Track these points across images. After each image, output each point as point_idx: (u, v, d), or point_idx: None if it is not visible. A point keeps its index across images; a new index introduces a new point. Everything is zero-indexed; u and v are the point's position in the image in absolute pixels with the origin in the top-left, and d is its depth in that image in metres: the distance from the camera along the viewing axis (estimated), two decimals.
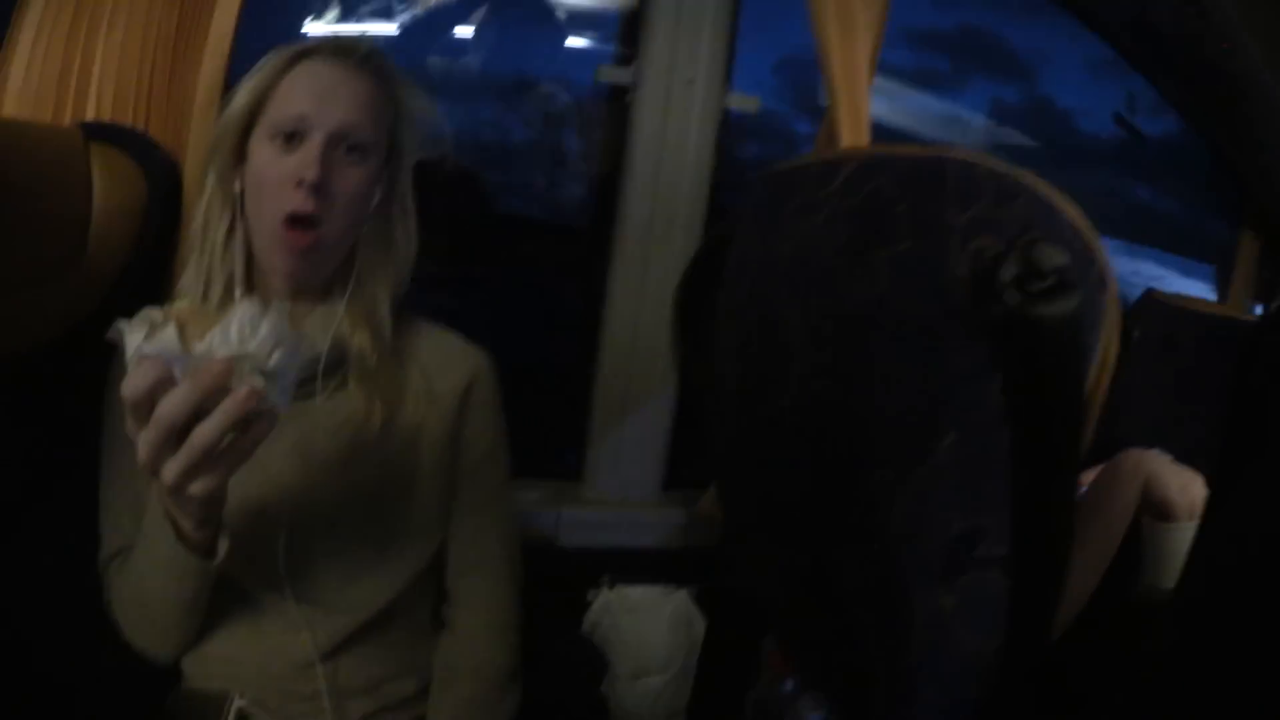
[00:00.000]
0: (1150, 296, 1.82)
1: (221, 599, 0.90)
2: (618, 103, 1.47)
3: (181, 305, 0.89)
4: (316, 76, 0.87)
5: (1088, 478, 1.12)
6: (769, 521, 0.92)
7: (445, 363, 1.00)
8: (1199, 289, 2.42)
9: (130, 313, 0.68)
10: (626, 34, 1.46)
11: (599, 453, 1.58)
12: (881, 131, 1.29)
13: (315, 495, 0.91)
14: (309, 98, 0.86)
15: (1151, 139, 2.30)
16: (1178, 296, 1.79)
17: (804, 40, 1.21)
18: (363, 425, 0.92)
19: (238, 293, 0.89)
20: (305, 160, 0.84)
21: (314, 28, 1.82)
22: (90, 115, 1.00)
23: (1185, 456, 1.60)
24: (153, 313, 0.67)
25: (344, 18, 1.96)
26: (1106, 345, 0.71)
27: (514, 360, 1.07)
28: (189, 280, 0.91)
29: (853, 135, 1.16)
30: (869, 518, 0.75)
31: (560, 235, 1.79)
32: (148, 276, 0.97)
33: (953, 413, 0.69)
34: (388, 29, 1.89)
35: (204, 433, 0.63)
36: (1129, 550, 1.03)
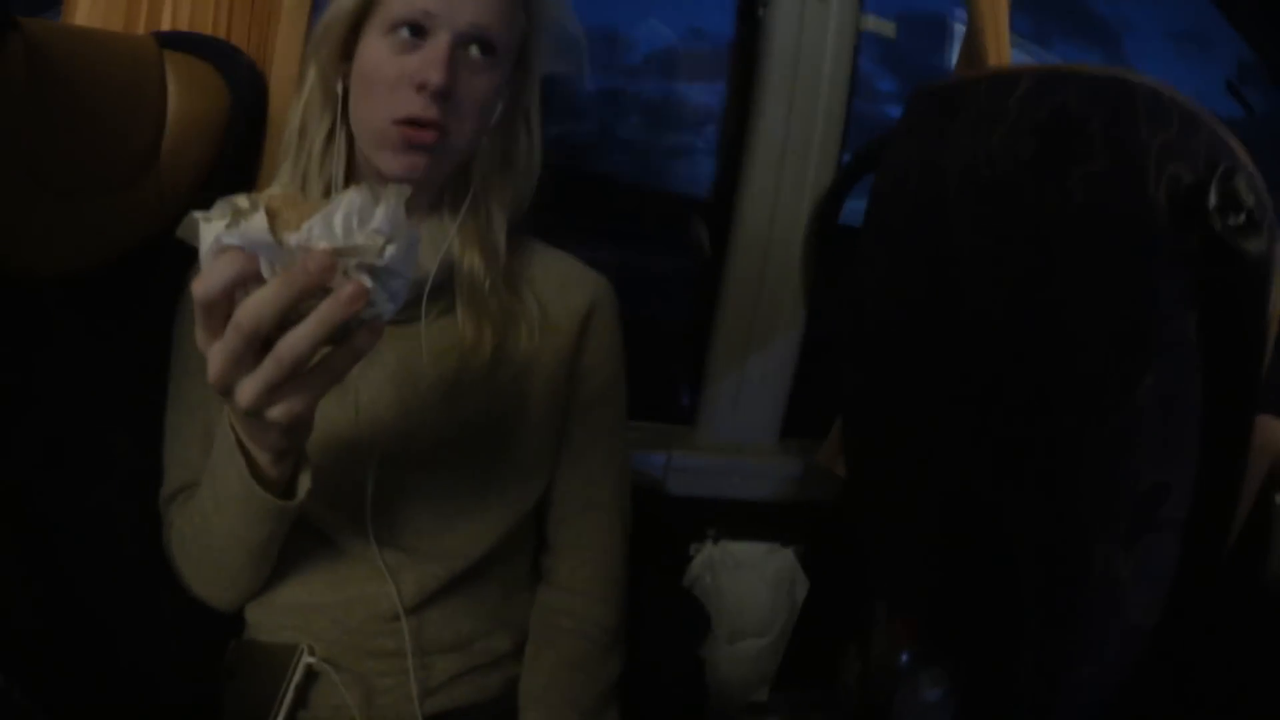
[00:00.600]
0: None
1: (297, 541, 0.82)
2: (750, 15, 1.40)
3: (275, 192, 0.78)
4: None
5: None
6: (913, 469, 0.84)
7: (563, 287, 0.92)
8: None
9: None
10: None
11: (716, 394, 1.48)
12: None
13: (412, 429, 0.83)
14: None
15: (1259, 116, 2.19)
16: None
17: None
18: (470, 353, 0.84)
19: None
20: (430, 61, 0.73)
21: None
22: (166, 27, 0.95)
23: None
24: (238, 199, 0.53)
25: None
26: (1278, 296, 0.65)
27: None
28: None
29: (997, 54, 1.09)
30: (1050, 466, 0.67)
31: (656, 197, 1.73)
32: (230, 188, 0.90)
33: (1157, 346, 0.63)
34: None
35: (294, 342, 0.51)
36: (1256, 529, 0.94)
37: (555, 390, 0.90)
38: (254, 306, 0.50)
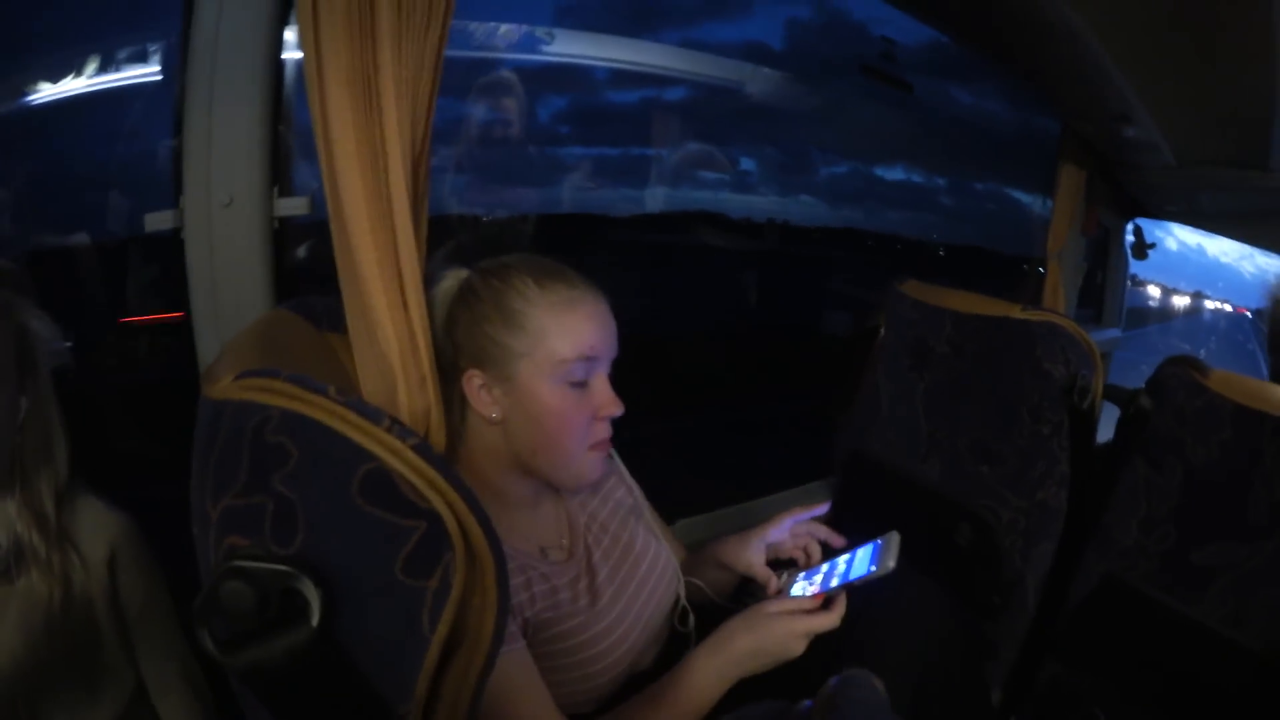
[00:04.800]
0: (899, 291, 1.73)
1: None
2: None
3: None
4: None
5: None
6: None
7: (92, 535, 1.10)
8: None
9: None
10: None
11: None
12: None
13: (23, 665, 1.01)
14: None
15: None
16: (930, 290, 1.69)
17: None
18: (48, 603, 1.03)
19: None
20: None
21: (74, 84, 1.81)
22: None
23: (943, 475, 1.58)
24: None
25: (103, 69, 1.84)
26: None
27: None
28: None
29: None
30: None
31: None
32: None
33: None
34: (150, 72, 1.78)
35: None
36: None
37: (111, 615, 1.11)
38: None
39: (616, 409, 0.98)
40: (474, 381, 0.96)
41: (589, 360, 0.96)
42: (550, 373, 0.95)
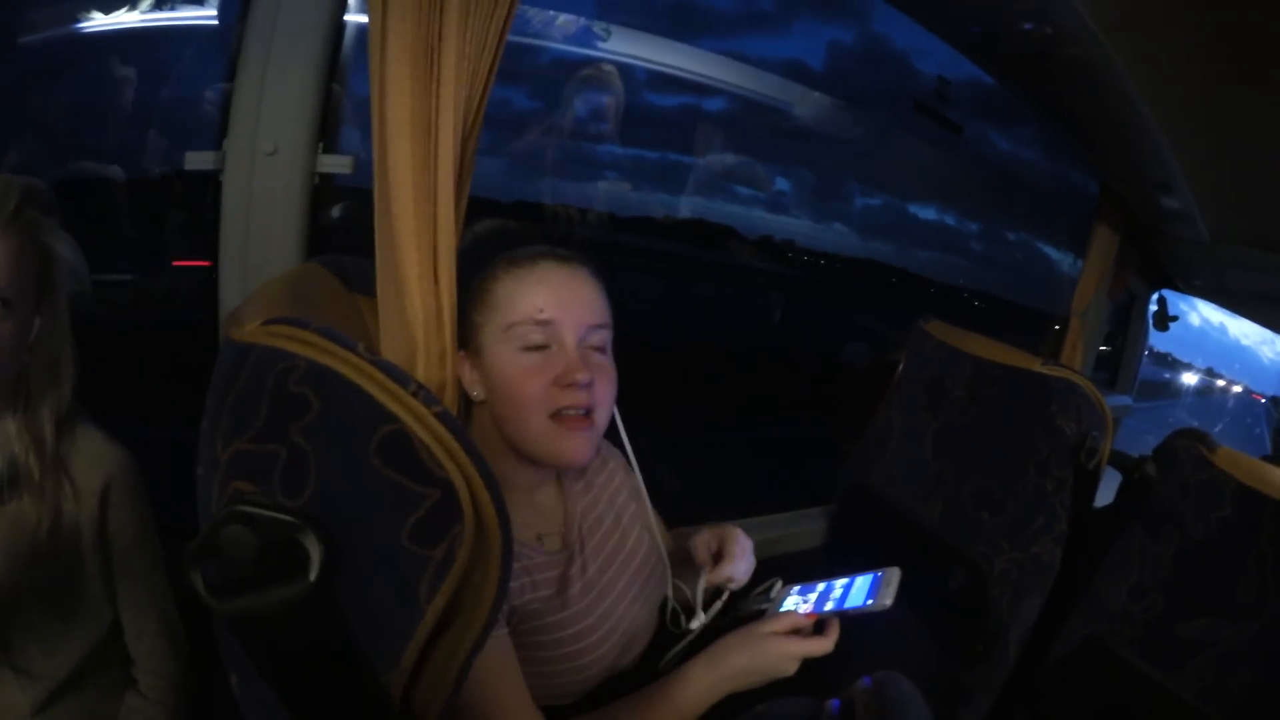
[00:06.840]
0: (923, 329, 1.73)
1: None
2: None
3: None
4: None
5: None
6: None
7: (88, 465, 1.08)
8: None
9: None
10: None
11: None
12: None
13: (1, 589, 1.01)
14: None
15: None
16: (954, 332, 1.70)
17: None
18: (35, 529, 1.02)
19: None
20: None
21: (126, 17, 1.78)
22: None
23: (943, 517, 1.57)
24: None
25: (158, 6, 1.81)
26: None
27: None
28: None
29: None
30: None
31: None
32: None
33: None
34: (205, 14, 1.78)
35: None
36: None
37: (95, 549, 1.09)
38: None
39: (580, 375, 0.95)
40: (463, 364, 0.98)
41: (541, 324, 0.96)
42: (503, 338, 0.96)
